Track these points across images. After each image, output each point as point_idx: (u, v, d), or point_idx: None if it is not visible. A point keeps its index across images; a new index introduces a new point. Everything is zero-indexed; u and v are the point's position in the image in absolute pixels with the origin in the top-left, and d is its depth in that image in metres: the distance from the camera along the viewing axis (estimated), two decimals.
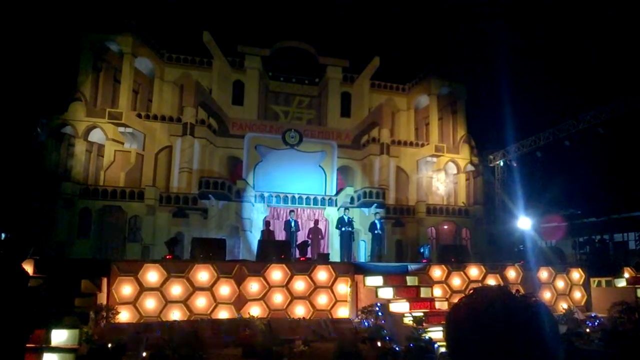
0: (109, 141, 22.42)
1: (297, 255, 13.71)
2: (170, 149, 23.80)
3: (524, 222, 22.63)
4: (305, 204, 23.37)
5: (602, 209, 27.50)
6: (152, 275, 10.42)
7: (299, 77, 27.86)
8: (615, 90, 21.50)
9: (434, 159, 26.44)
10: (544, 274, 14.09)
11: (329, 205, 23.74)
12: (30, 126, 21.27)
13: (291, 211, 19.35)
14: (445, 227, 25.93)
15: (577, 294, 14.33)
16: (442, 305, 10.98)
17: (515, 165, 24.46)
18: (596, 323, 11.40)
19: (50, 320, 7.78)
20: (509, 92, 24.56)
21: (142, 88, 25.17)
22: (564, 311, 12.52)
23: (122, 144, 22.95)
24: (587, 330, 10.81)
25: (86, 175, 22.18)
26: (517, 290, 1.33)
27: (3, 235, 11.22)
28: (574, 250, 23.01)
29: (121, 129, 22.27)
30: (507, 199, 24.55)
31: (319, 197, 23.86)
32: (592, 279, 14.61)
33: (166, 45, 25.68)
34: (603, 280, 14.46)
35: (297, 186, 24.02)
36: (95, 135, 22.43)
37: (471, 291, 1.37)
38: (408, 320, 9.62)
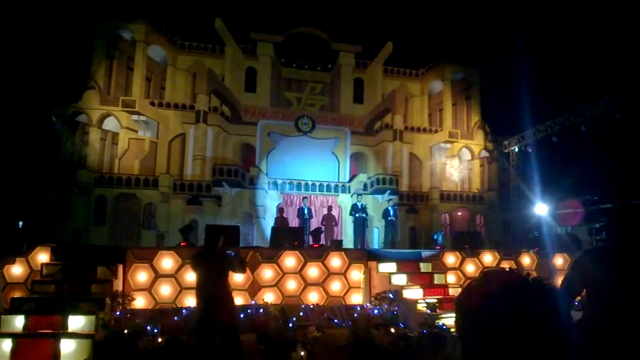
0: (123, 129, 22.58)
1: (311, 242, 13.74)
2: (183, 137, 23.91)
3: (540, 208, 22.43)
4: (319, 191, 23.40)
5: (618, 194, 27.13)
6: (167, 262, 10.50)
7: (312, 63, 27.74)
8: (632, 75, 21.12)
9: (448, 145, 26.27)
10: (559, 260, 13.97)
11: (342, 192, 23.75)
12: (45, 115, 21.45)
13: (304, 198, 19.37)
14: (459, 213, 25.82)
15: None
16: (455, 292, 10.91)
17: (530, 150, 24.20)
18: None
19: (67, 307, 7.89)
20: (523, 77, 24.22)
21: (155, 76, 25.25)
22: (579, 297, 12.41)
23: (136, 131, 23.11)
24: None
25: (101, 163, 22.37)
26: (528, 274, 1.29)
27: (20, 224, 11.36)
28: (590, 237, 22.73)
29: (135, 117, 22.40)
30: (522, 184, 24.35)
31: (332, 184, 23.88)
32: None
33: (179, 32, 25.70)
34: None
35: (310, 173, 24.03)
36: (110, 124, 22.58)
37: (481, 275, 1.35)
38: (421, 306, 9.60)
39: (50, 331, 7.35)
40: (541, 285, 1.25)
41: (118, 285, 9.73)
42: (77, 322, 7.61)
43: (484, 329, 1.22)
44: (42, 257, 9.95)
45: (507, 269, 1.37)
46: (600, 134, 21.52)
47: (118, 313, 8.77)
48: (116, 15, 22.71)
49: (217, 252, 6.56)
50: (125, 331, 7.87)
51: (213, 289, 6.12)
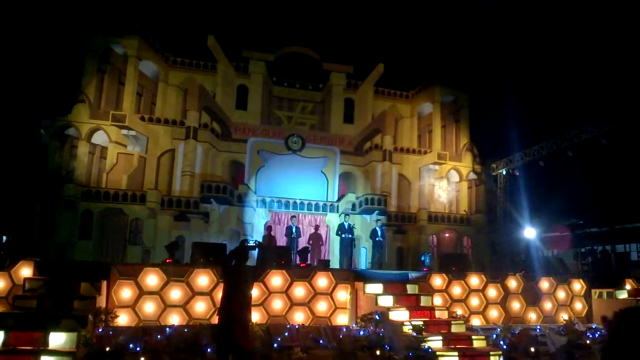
0: (112, 143, 22.46)
1: (298, 261, 13.69)
2: (173, 153, 23.84)
3: (528, 232, 22.56)
4: (307, 210, 23.36)
5: (604, 219, 27.41)
6: (152, 279, 10.39)
7: (303, 82, 27.91)
8: (618, 101, 21.48)
9: (437, 167, 26.41)
10: (545, 284, 14.02)
11: (330, 212, 23.72)
12: (34, 127, 21.33)
13: (292, 217, 19.34)
14: (447, 235, 25.88)
15: (578, 305, 14.25)
16: (442, 315, 10.90)
17: (517, 174, 24.41)
18: (597, 334, 11.32)
19: (49, 323, 7.76)
20: (512, 101, 24.58)
21: (146, 91, 25.25)
22: (564, 322, 12.44)
23: (125, 146, 22.99)
24: (588, 341, 10.73)
25: (88, 177, 22.16)
26: None
27: (4, 238, 11.24)
28: (576, 261, 22.86)
29: (124, 131, 22.32)
30: (509, 207, 24.50)
31: (321, 203, 23.85)
32: (593, 290, 14.53)
33: (171, 48, 25.78)
34: (604, 291, 14.38)
35: (299, 192, 24.01)
36: (99, 138, 22.45)
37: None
38: (408, 329, 9.56)
39: (30, 348, 7.23)
40: None
41: (101, 301, 9.61)
42: (58, 339, 7.49)
43: None
44: (25, 271, 9.82)
45: None
46: (586, 159, 21.78)
47: (100, 330, 8.65)
48: (109, 30, 22.74)
49: (244, 270, 6.99)
50: (107, 349, 7.77)
51: (234, 307, 6.55)
